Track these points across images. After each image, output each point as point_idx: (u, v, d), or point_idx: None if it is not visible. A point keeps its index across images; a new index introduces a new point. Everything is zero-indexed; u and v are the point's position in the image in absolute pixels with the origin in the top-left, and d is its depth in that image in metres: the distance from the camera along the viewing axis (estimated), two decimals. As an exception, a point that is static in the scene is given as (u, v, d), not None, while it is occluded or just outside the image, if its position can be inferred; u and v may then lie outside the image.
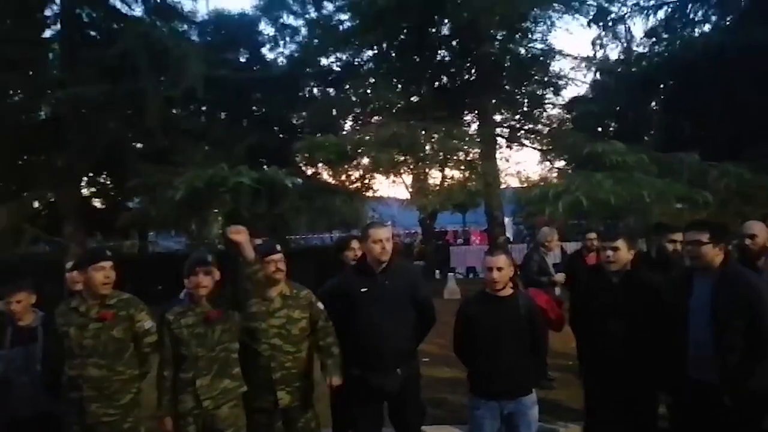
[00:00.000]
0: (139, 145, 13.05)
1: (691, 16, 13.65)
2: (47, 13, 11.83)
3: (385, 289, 3.32)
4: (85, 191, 13.63)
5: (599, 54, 15.05)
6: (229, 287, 3.26)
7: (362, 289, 3.34)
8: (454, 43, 13.03)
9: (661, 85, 13.70)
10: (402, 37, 12.60)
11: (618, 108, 14.71)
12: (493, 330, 3.22)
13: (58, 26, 11.85)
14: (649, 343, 3.23)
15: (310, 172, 14.61)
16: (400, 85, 13.28)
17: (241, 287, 3.21)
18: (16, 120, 11.43)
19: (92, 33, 12.30)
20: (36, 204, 12.15)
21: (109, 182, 14.39)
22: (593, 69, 14.44)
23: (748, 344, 2.91)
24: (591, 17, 13.11)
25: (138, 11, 12.39)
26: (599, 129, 14.42)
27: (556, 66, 13.92)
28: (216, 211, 10.51)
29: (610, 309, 3.32)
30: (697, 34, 13.40)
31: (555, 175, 14.73)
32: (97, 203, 14.24)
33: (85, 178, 13.51)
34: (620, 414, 3.37)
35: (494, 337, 3.21)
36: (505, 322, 3.21)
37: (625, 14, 13.88)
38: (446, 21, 12.39)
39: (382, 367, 3.28)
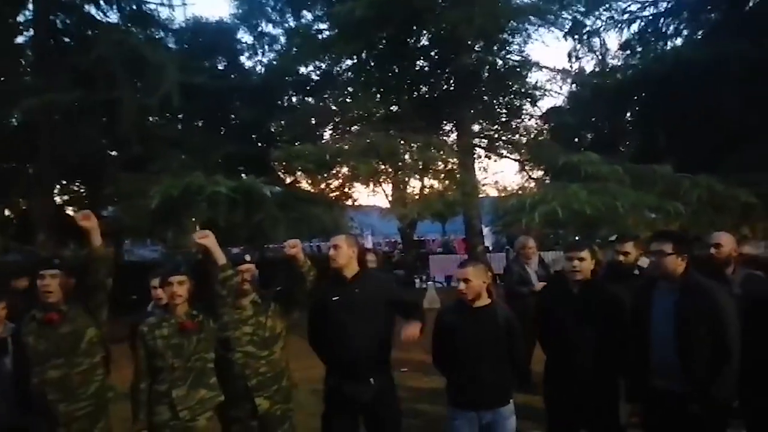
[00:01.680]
0: (114, 153, 12.86)
1: (664, 29, 14.01)
2: (20, 18, 11.63)
3: (356, 297, 3.32)
4: (58, 199, 13.36)
5: (575, 66, 15.35)
6: (204, 295, 3.24)
7: (334, 298, 3.34)
8: (432, 53, 13.13)
9: (636, 97, 13.97)
10: (381, 46, 12.65)
11: (594, 119, 14.99)
12: (470, 340, 3.22)
13: (31, 32, 11.64)
14: (610, 352, 3.28)
15: (288, 180, 14.55)
16: (378, 95, 13.33)
17: (215, 293, 3.19)
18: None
19: (66, 39, 12.09)
20: (7, 212, 11.87)
21: (83, 190, 14.13)
22: (569, 81, 14.69)
23: (713, 352, 2.97)
24: (566, 30, 13.35)
25: (113, 18, 12.23)
26: (575, 140, 14.66)
27: (532, 77, 14.11)
28: (193, 219, 10.37)
29: (571, 318, 3.36)
30: (669, 47, 13.73)
31: (532, 185, 14.90)
32: (70, 211, 13.95)
33: (59, 186, 13.26)
34: (582, 422, 3.41)
35: (471, 347, 3.22)
36: (482, 332, 3.22)
37: (600, 27, 14.17)
38: (425, 31, 12.48)
39: (355, 376, 3.27)
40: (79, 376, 3.14)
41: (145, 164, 11.16)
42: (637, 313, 3.28)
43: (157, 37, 13.37)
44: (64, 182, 13.46)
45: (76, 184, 14.01)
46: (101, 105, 10.73)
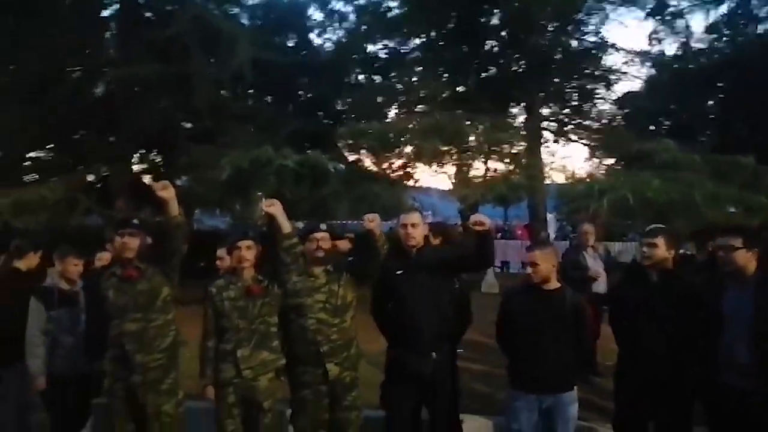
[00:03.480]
0: (188, 125, 13.37)
1: (755, 11, 13.10)
2: (106, -7, 12.20)
3: (419, 271, 3.35)
4: (135, 167, 14.03)
5: (655, 49, 14.61)
6: (270, 262, 3.33)
7: (397, 272, 3.38)
8: (503, 33, 12.84)
9: (720, 84, 13.19)
10: (450, 25, 12.48)
11: (673, 106, 14.27)
12: (535, 323, 3.19)
13: (116, 6, 12.20)
14: (685, 344, 3.17)
15: (352, 158, 14.67)
16: (446, 75, 13.19)
17: (279, 261, 3.28)
18: (74, 97, 11.86)
19: (147, 14, 12.59)
20: (90, 178, 12.58)
21: (158, 160, 14.79)
22: (648, 64, 14.01)
23: None
24: (648, 10, 12.72)
25: (192, -6, 12.61)
26: (652, 127, 14.04)
27: (608, 60, 13.57)
28: (260, 193, 10.68)
29: (646, 306, 3.26)
30: (761, 31, 12.84)
31: (602, 172, 14.41)
32: (147, 179, 14.63)
33: (137, 155, 13.92)
34: (650, 414, 3.31)
35: (536, 330, 3.18)
36: (548, 316, 3.18)
37: (685, 8, 13.40)
38: (496, 11, 12.21)
39: (418, 349, 3.30)
40: (154, 329, 3.32)
41: (216, 137, 11.54)
42: (708, 309, 3.16)
43: (231, 13, 13.71)
44: (142, 152, 14.12)
45: (153, 153, 14.66)
46: (177, 78, 11.12)
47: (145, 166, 14.72)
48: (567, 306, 3.20)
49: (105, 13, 12.48)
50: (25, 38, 10.45)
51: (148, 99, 11.87)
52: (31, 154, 13.33)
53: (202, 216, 16.17)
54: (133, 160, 13.44)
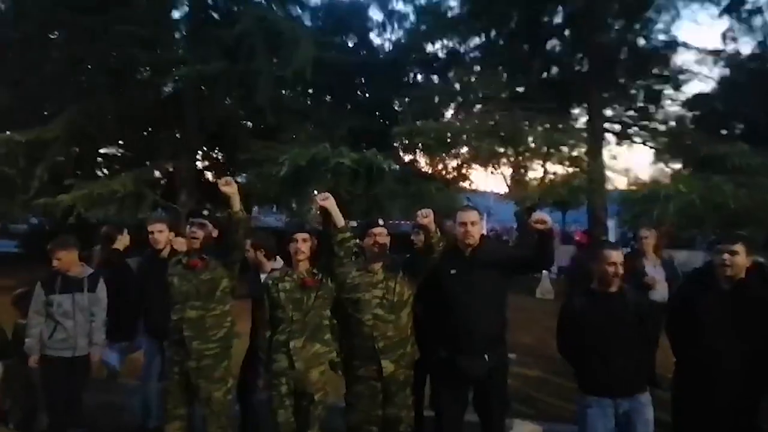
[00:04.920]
0: (248, 124, 13.72)
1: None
2: (178, -6, 12.67)
3: (474, 271, 3.28)
4: (199, 164, 14.50)
5: (730, 48, 13.84)
6: (324, 257, 3.37)
7: (451, 271, 3.31)
8: (566, 32, 12.50)
9: (801, 85, 12.36)
10: (512, 25, 12.26)
11: (747, 108, 13.48)
12: (601, 326, 3.08)
13: (186, 8, 12.67)
14: (755, 357, 2.98)
15: (408, 158, 14.66)
16: (506, 74, 12.97)
17: (333, 254, 3.31)
18: (144, 95, 12.39)
19: (214, 15, 13.01)
20: (156, 173, 13.10)
21: (220, 157, 15.26)
22: (721, 64, 13.30)
23: None
24: (723, 7, 12.08)
25: (257, -5, 12.95)
26: (724, 131, 13.30)
27: (678, 59, 12.93)
28: (315, 191, 10.83)
29: (716, 317, 3.08)
30: None
31: (668, 177, 13.80)
32: (210, 176, 15.11)
33: (200, 152, 14.39)
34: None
35: (604, 333, 3.07)
36: (613, 317, 3.08)
37: (763, 4, 12.65)
38: (560, 8, 11.90)
39: (470, 350, 3.24)
40: (212, 319, 3.49)
41: (275, 135, 11.78)
42: None
43: (294, 14, 13.99)
44: (205, 148, 14.58)
45: (215, 150, 15.13)
46: (240, 76, 11.42)
47: (207, 162, 15.22)
48: (630, 306, 3.10)
49: (176, 14, 13.03)
50: (100, 37, 10.99)
51: (213, 97, 12.26)
52: (103, 150, 14.05)
53: (259, 213, 16.57)
54: (197, 157, 13.89)
